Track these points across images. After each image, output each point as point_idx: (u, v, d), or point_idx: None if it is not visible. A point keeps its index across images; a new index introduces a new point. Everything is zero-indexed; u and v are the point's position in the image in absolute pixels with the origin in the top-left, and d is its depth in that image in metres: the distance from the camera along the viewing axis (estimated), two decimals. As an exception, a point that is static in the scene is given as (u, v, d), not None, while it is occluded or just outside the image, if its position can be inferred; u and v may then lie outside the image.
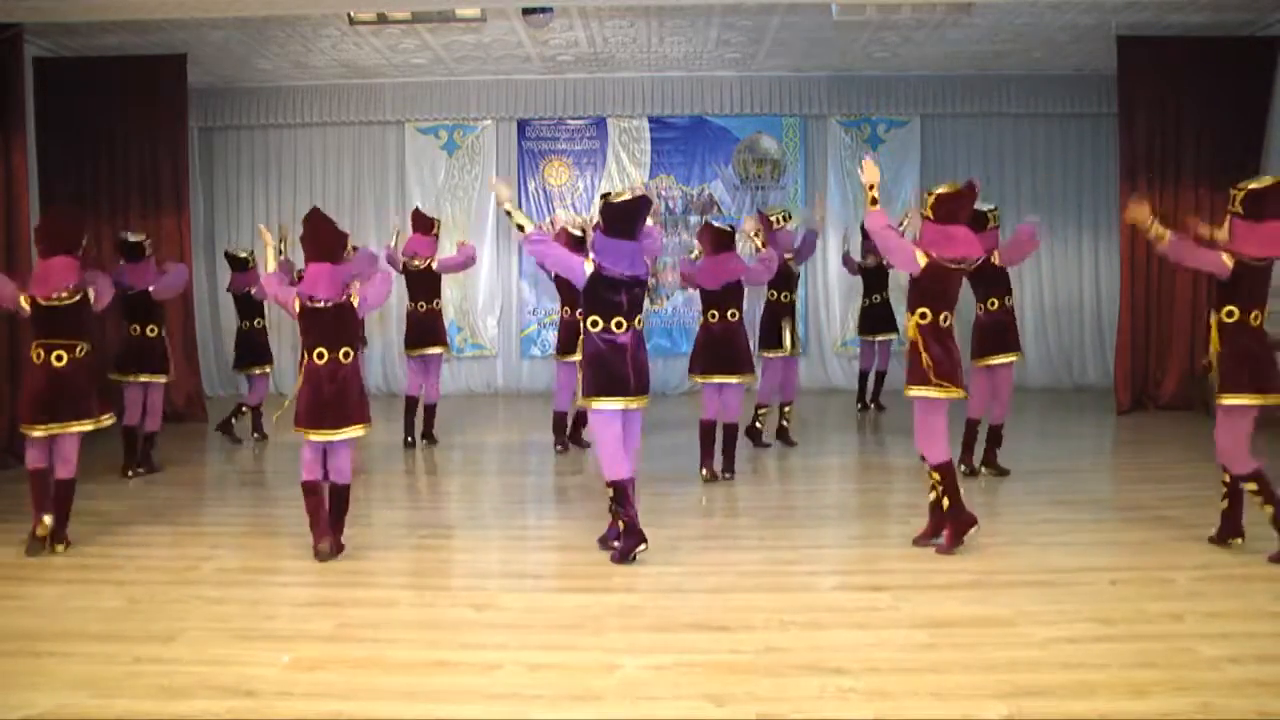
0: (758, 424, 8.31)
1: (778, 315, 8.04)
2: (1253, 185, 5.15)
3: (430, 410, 8.76)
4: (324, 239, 5.30)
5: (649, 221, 5.29)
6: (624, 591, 4.79)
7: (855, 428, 9.66)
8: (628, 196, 5.22)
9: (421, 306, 8.57)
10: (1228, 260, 5.13)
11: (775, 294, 8.03)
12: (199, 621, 4.42)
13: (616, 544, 5.27)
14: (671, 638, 4.17)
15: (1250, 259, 5.10)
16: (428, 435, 8.77)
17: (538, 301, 12.12)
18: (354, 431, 5.34)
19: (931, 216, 5.26)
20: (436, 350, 8.63)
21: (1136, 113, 9.90)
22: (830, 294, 12.10)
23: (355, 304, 5.33)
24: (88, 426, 5.61)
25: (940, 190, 5.30)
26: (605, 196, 5.34)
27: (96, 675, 3.83)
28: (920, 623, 4.28)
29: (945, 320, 5.27)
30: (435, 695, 3.66)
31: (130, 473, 7.49)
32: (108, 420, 5.75)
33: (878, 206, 5.35)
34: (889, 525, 5.75)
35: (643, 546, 5.16)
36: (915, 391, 5.27)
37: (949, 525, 5.26)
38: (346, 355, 5.31)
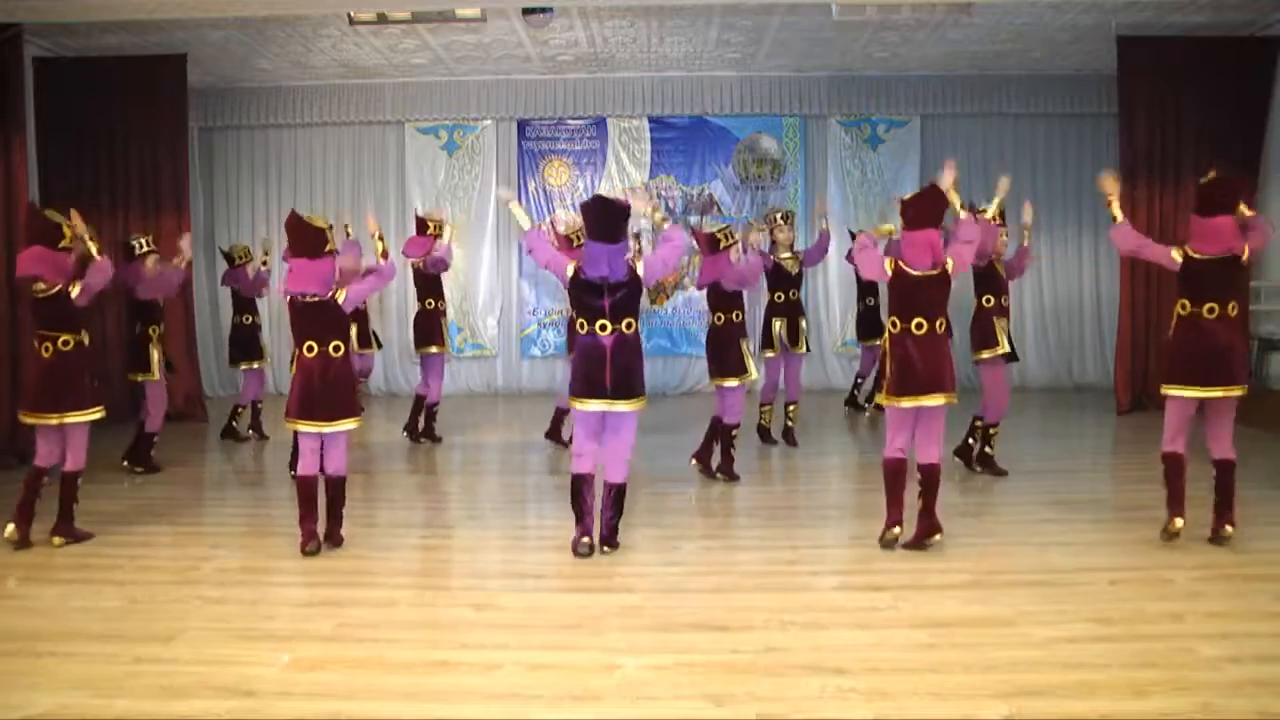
0: (762, 421, 8.46)
1: (770, 315, 8.26)
2: (1204, 181, 5.29)
3: (430, 410, 8.79)
4: (302, 236, 5.39)
5: (679, 231, 5.39)
6: (624, 591, 4.79)
7: (855, 428, 9.67)
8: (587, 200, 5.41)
9: (418, 306, 8.81)
10: (1177, 255, 5.31)
11: (770, 294, 8.23)
12: (199, 621, 4.42)
13: (602, 546, 5.40)
14: (671, 638, 4.17)
15: (1199, 254, 5.23)
16: (429, 435, 8.80)
17: (538, 301, 12.12)
18: (344, 425, 5.41)
19: (904, 224, 5.32)
20: (432, 350, 8.69)
21: (1136, 113, 9.91)
22: (830, 294, 12.09)
23: (340, 300, 5.39)
24: (69, 419, 5.58)
25: (906, 196, 5.38)
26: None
27: (96, 675, 3.82)
28: (920, 623, 4.28)
29: (920, 327, 5.21)
30: (435, 695, 3.66)
31: (125, 461, 7.63)
32: (93, 414, 5.67)
33: (864, 235, 5.57)
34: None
35: (585, 539, 5.29)
36: (879, 399, 5.44)
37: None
38: (337, 349, 5.38)
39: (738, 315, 7.09)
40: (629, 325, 5.28)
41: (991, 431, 7.13)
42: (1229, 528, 5.29)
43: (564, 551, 5.38)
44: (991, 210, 6.52)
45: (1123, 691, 3.56)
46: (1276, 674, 3.69)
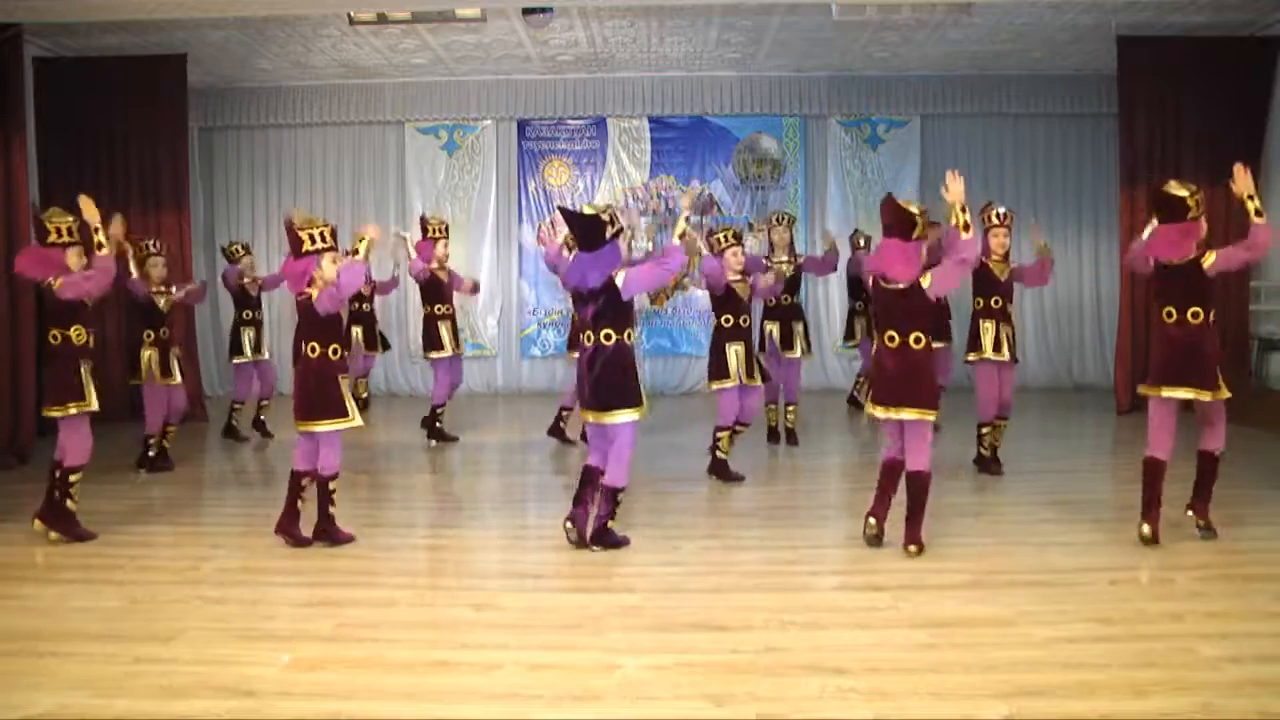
0: (770, 422, 8.51)
1: (764, 318, 8.29)
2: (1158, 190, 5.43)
3: (433, 412, 8.77)
4: (289, 239, 5.50)
5: (679, 256, 5.38)
6: (624, 591, 4.79)
7: (856, 428, 9.67)
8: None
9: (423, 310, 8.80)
10: (1151, 262, 5.37)
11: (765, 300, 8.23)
12: (199, 621, 4.42)
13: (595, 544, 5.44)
14: (671, 638, 4.17)
15: (1159, 259, 5.31)
16: (439, 435, 8.77)
17: (538, 301, 12.12)
18: (320, 426, 5.44)
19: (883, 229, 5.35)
20: (431, 354, 8.70)
21: (1136, 113, 9.91)
22: (830, 295, 12.08)
23: (314, 300, 5.41)
24: (52, 413, 5.66)
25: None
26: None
27: (96, 675, 3.82)
28: (920, 623, 4.28)
29: (891, 340, 5.17)
30: (435, 695, 3.66)
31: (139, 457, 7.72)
32: (70, 410, 5.64)
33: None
34: (889, 526, 5.73)
35: (570, 524, 5.36)
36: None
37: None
38: (313, 350, 5.43)
39: (728, 320, 7.09)
40: (607, 336, 5.24)
41: (983, 431, 7.15)
42: (1191, 514, 5.37)
43: (564, 551, 5.39)
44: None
45: (1123, 691, 3.56)
46: (1276, 674, 3.69)
